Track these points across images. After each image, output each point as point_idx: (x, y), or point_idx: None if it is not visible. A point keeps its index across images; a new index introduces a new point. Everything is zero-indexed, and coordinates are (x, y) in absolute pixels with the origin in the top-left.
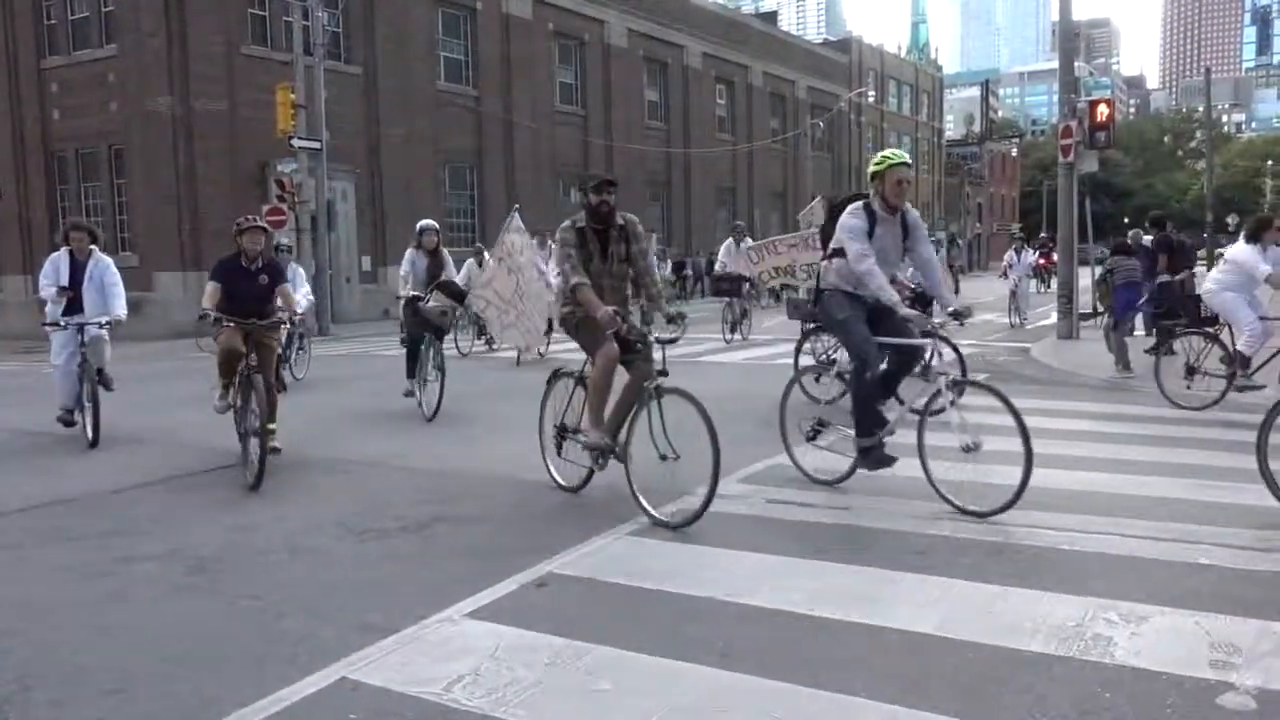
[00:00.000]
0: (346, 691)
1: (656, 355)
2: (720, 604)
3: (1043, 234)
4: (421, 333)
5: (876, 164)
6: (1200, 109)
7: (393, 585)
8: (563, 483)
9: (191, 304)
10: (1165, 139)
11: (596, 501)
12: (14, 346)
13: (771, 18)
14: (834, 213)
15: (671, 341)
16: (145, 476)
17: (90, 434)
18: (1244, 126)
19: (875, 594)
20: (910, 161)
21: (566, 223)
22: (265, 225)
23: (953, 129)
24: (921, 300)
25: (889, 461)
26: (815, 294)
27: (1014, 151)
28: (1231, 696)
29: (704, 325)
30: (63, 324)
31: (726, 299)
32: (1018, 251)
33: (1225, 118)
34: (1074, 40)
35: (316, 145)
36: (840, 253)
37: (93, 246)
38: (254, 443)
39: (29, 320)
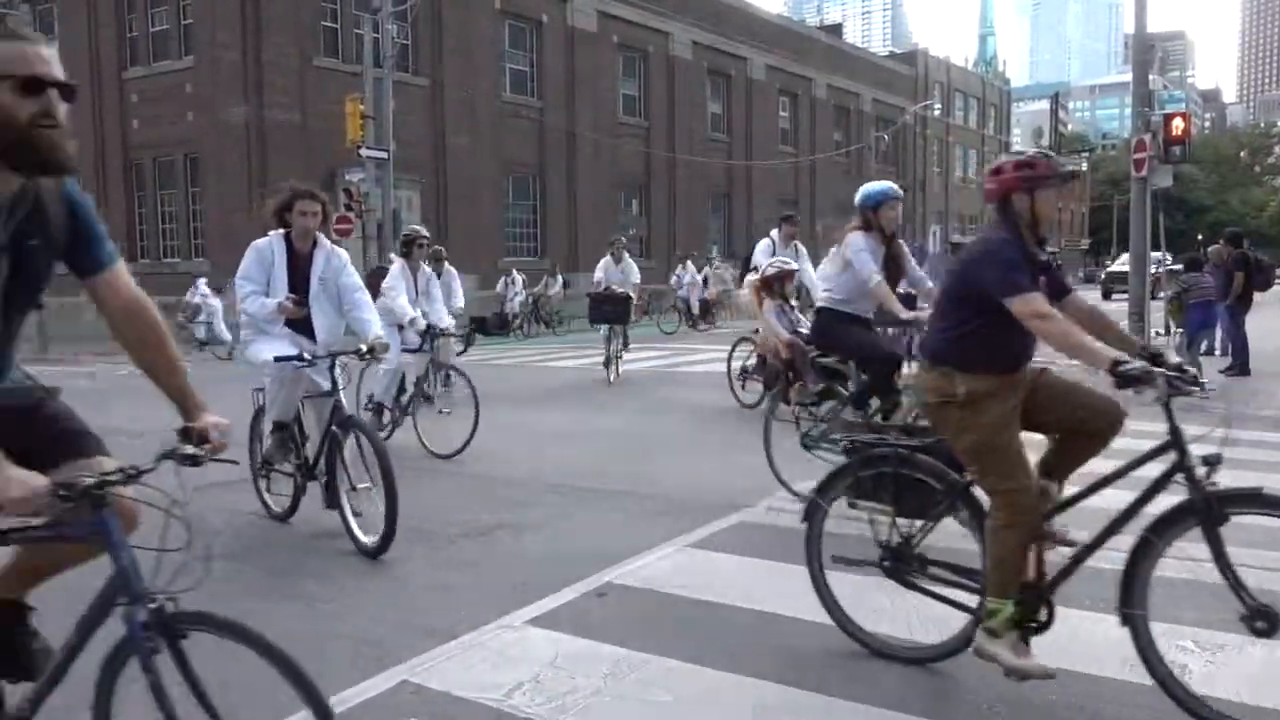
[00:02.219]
0: (408, 694)
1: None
2: (782, 619)
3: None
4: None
5: None
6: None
7: (455, 591)
8: None
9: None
10: (1242, 154)
11: (657, 512)
12: (93, 349)
13: (837, 30)
14: None
15: None
16: (214, 478)
17: (377, 537)
18: None
19: (943, 615)
20: None
21: None
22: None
23: (1020, 143)
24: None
25: None
26: None
27: (1084, 165)
28: None
29: None
30: (309, 357)
31: (607, 324)
32: None
33: None
34: (1148, 52)
35: (384, 155)
36: None
37: (319, 233)
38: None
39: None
